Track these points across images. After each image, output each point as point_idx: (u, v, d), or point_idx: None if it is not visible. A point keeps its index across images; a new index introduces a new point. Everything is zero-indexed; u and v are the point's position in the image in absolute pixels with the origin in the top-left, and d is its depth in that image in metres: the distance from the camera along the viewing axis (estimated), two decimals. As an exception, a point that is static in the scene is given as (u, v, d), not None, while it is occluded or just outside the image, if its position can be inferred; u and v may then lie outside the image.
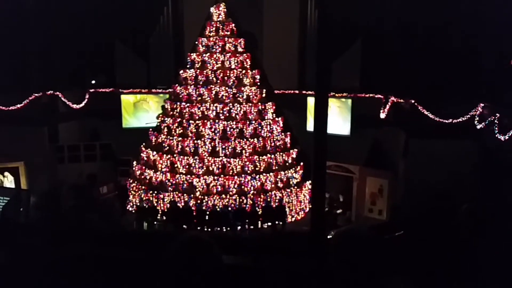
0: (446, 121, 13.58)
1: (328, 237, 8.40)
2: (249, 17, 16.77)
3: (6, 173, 14.71)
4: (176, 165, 13.95)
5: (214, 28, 15.26)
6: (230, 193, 13.48)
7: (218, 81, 14.70)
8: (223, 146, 13.86)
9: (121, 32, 17.72)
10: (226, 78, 14.71)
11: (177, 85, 15.16)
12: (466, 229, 3.47)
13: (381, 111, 15.27)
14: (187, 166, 13.83)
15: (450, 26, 14.19)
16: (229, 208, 13.24)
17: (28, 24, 16.30)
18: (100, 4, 16.86)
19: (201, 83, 14.76)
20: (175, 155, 14.00)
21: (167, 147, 14.35)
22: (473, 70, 13.79)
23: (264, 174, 13.86)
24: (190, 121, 14.23)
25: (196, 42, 15.57)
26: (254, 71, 15.13)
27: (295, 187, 14.39)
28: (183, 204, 13.40)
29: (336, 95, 15.58)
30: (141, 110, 17.56)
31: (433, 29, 14.38)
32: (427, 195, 10.52)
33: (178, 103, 14.66)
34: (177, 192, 13.55)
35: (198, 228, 12.92)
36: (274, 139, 14.56)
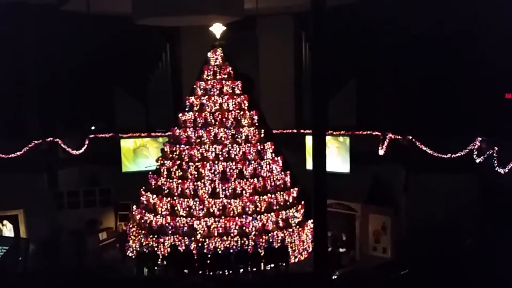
0: (445, 156, 13.62)
1: (333, 277, 8.24)
2: (245, 60, 17.12)
3: (5, 222, 14.57)
4: (176, 208, 13.85)
5: (211, 72, 15.55)
6: (232, 234, 13.31)
7: (217, 123, 14.83)
8: (223, 187, 13.81)
9: (120, 77, 18.04)
10: (224, 119, 14.85)
11: (176, 128, 15.28)
12: (470, 264, 3.44)
13: (380, 147, 15.34)
14: (187, 209, 13.73)
15: (444, 62, 14.51)
16: (231, 251, 13.04)
17: (27, 70, 16.65)
18: (99, 50, 17.23)
19: (200, 125, 14.88)
20: (175, 198, 13.93)
21: (167, 190, 14.29)
22: (469, 105, 13.99)
23: (265, 214, 13.74)
24: (190, 163, 14.24)
25: (194, 86, 15.81)
26: (252, 112, 15.29)
27: (297, 226, 14.24)
28: (183, 247, 13.20)
29: (334, 133, 15.69)
30: (140, 156, 17.63)
31: (427, 65, 14.67)
32: (430, 230, 10.42)
33: (178, 146, 14.73)
34: (177, 236, 13.38)
35: (200, 272, 12.68)
36: (274, 179, 14.53)
